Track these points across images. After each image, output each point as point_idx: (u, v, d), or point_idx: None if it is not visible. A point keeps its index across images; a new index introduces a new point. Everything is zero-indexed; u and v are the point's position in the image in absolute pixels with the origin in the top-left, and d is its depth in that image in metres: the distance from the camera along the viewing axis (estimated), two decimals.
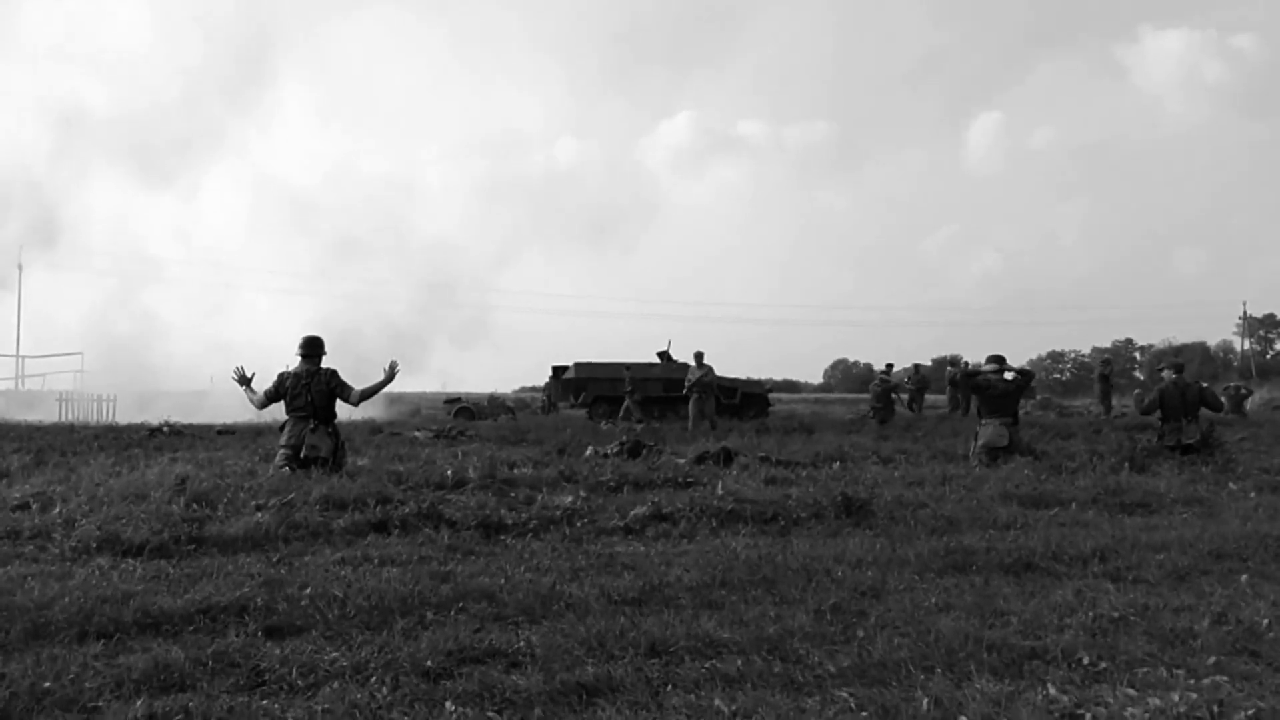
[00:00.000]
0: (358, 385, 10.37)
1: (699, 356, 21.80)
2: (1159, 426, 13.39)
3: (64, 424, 21.98)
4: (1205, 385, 13.81)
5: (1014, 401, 12.82)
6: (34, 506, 7.67)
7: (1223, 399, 14.44)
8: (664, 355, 30.14)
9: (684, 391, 21.66)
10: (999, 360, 13.09)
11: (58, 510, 7.34)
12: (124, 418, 24.20)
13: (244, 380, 10.47)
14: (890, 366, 27.50)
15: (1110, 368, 30.50)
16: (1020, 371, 13.40)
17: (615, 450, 12.84)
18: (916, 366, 31.52)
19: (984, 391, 12.87)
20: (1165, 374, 13.73)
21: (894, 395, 25.86)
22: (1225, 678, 3.80)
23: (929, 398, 30.76)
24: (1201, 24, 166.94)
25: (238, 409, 11.66)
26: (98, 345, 35.95)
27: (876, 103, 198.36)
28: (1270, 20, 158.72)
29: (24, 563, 6.01)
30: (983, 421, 12.68)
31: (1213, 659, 4.08)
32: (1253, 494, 9.27)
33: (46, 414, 27.03)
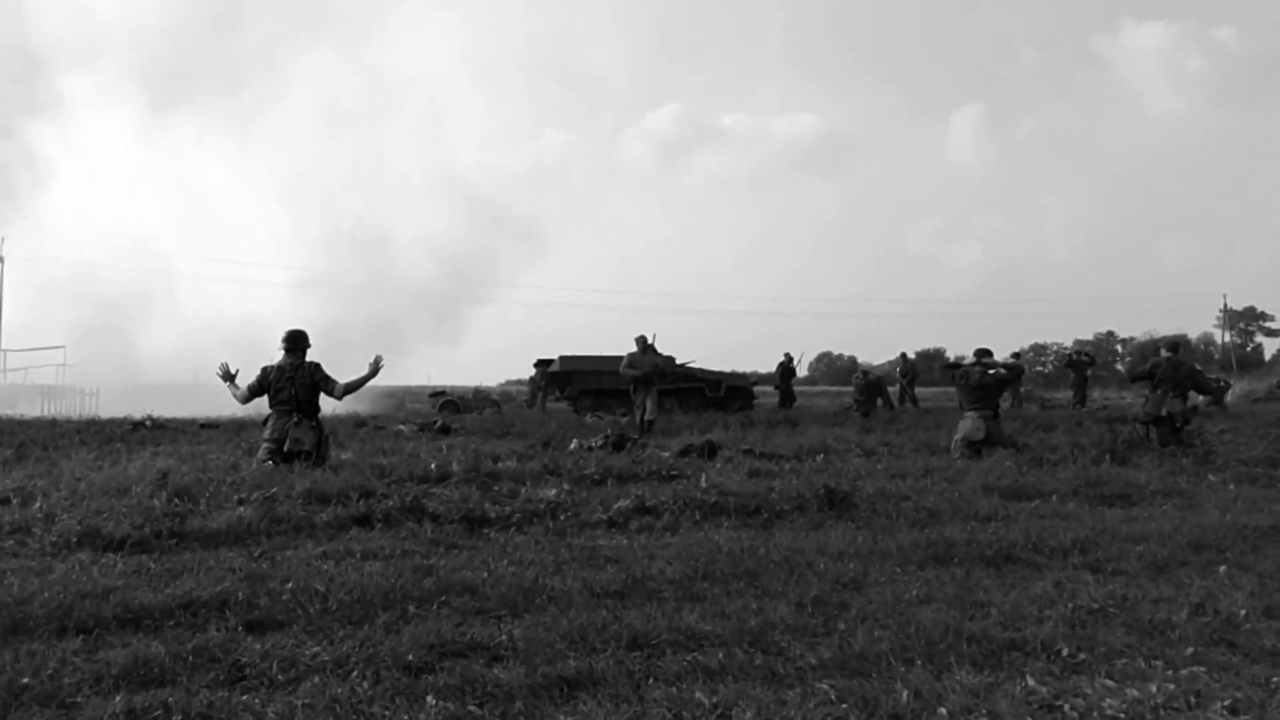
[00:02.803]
0: (341, 379, 10.36)
1: (643, 341, 18.49)
2: (1146, 397, 13.56)
3: (46, 418, 21.84)
4: (1199, 368, 13.94)
5: (993, 394, 12.86)
6: (14, 501, 7.61)
7: (1214, 382, 14.59)
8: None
9: (628, 378, 18.28)
10: (985, 354, 13.18)
11: (38, 505, 7.30)
12: (108, 411, 24.06)
13: (228, 376, 10.44)
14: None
15: (1086, 356, 30.01)
16: (1007, 366, 13.48)
17: (600, 444, 12.84)
18: (902, 355, 31.50)
19: (961, 383, 12.94)
20: (1162, 352, 13.92)
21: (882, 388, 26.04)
22: (1203, 668, 3.83)
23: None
24: (1181, 17, 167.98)
25: (224, 403, 11.64)
26: (81, 338, 35.78)
27: (860, 96, 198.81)
28: (1250, 13, 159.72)
29: (3, 558, 5.96)
30: (963, 414, 12.75)
31: (1191, 650, 4.11)
32: (1232, 486, 9.34)
33: (28, 408, 26.86)
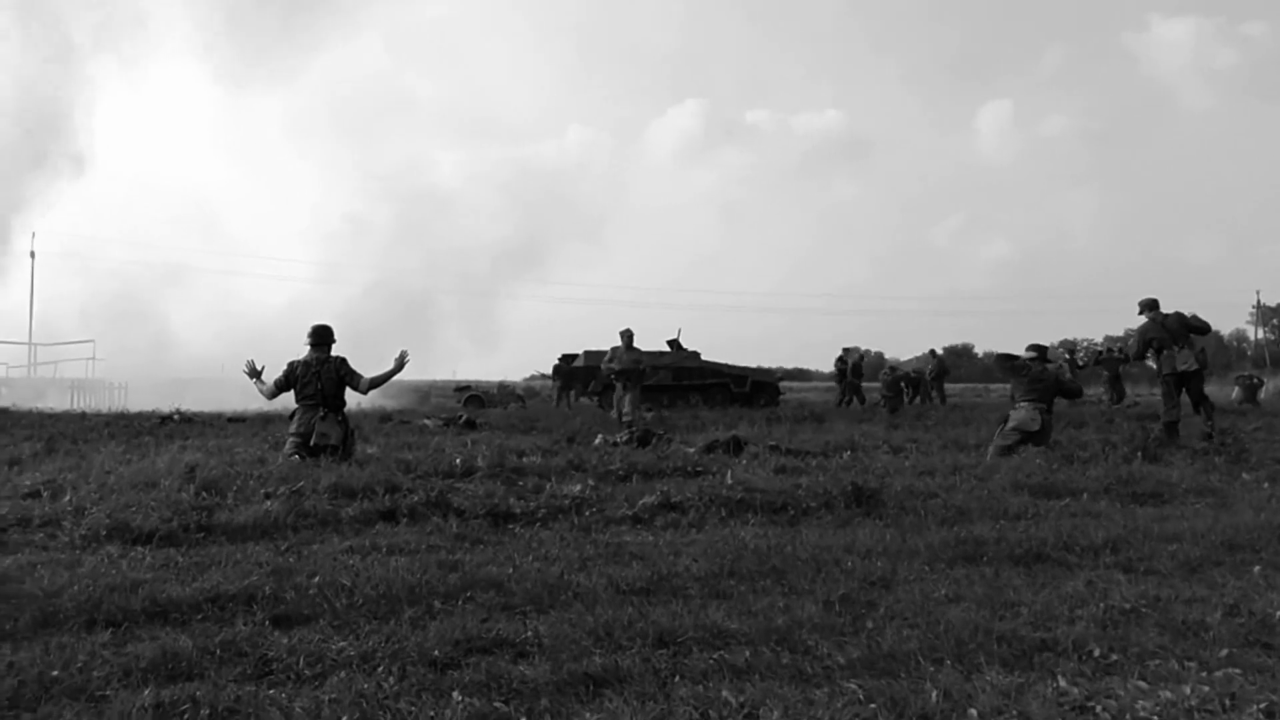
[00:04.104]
0: (367, 374, 10.43)
1: (628, 336, 17.97)
2: (1157, 360, 13.52)
3: (75, 411, 22.04)
4: (1183, 312, 13.71)
5: (1051, 390, 12.64)
6: (44, 494, 7.69)
7: (1205, 320, 14.27)
8: (674, 344, 30.16)
9: (610, 377, 17.92)
10: (1039, 350, 13.07)
11: (68, 498, 7.36)
12: (136, 405, 24.25)
13: (254, 373, 10.52)
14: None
15: (1119, 353, 29.52)
16: (1070, 379, 13.53)
17: (625, 439, 12.83)
18: (932, 351, 31.30)
19: (1021, 375, 12.72)
20: (1142, 317, 13.76)
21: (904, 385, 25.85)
22: (1238, 670, 3.77)
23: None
24: (1211, 11, 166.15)
25: (251, 396, 11.71)
26: (111, 332, 36.06)
27: (885, 91, 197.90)
28: None
29: (34, 550, 6.02)
30: (1017, 404, 12.55)
31: (1225, 651, 4.04)
32: (1266, 484, 9.18)
33: (58, 401, 27.14)
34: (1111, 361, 28.36)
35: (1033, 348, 13.11)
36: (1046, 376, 12.64)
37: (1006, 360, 13.37)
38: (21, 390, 29.71)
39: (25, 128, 38.10)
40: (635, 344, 17.83)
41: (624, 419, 16.74)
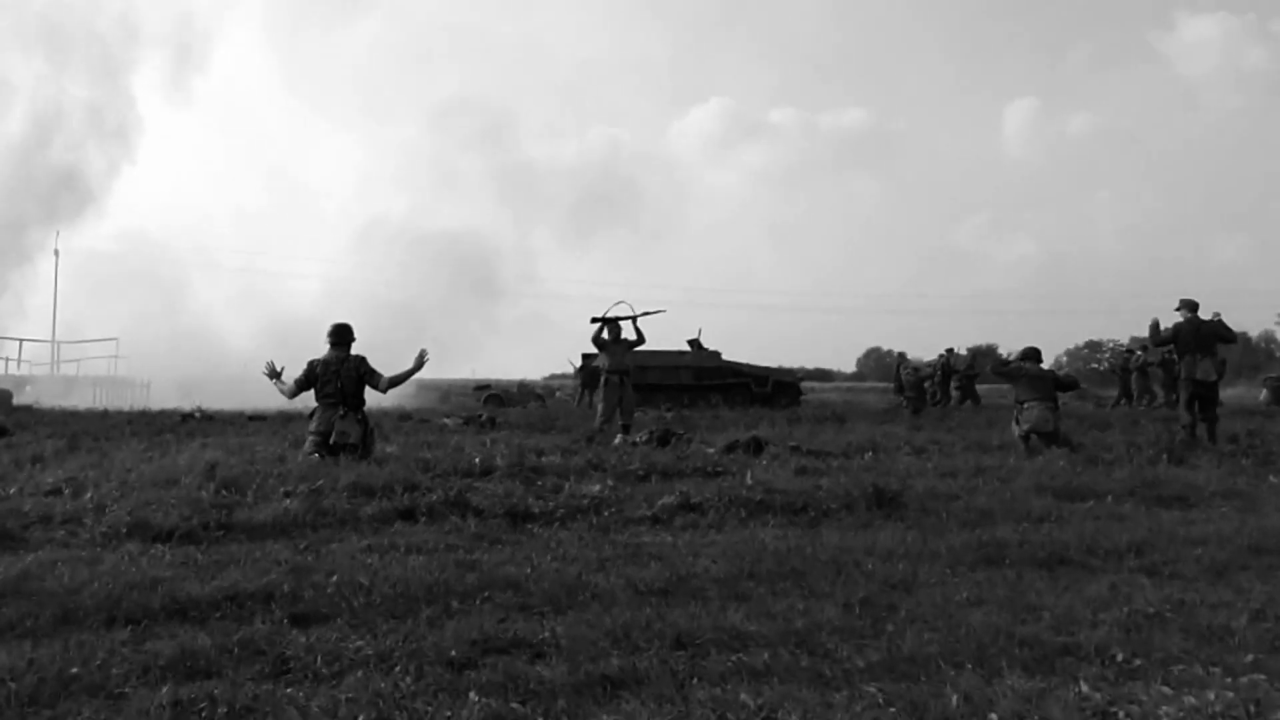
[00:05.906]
0: (387, 372, 10.45)
1: (615, 330, 15.97)
2: (1177, 364, 13.66)
3: (98, 409, 22.19)
4: (1219, 317, 13.57)
5: (1050, 386, 12.82)
6: (66, 491, 7.73)
7: (1233, 331, 14.18)
8: (694, 343, 30.13)
9: (603, 375, 15.90)
10: (1033, 354, 13.17)
11: (89, 495, 7.40)
12: (159, 403, 24.38)
13: (274, 374, 10.56)
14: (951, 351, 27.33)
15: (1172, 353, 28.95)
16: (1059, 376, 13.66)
17: (644, 439, 12.80)
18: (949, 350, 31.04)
19: (1018, 378, 12.89)
20: (1181, 313, 13.68)
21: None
22: (1263, 676, 3.71)
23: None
24: (1239, 9, 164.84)
25: (272, 395, 11.75)
26: (135, 330, 36.23)
27: (910, 90, 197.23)
28: None
29: (55, 548, 6.05)
30: (1025, 405, 12.61)
31: (1250, 657, 3.98)
32: None
33: (81, 399, 27.35)
34: (1171, 365, 28.11)
35: (1027, 352, 13.40)
36: (1043, 375, 12.97)
37: (1001, 366, 13.58)
38: (45, 388, 29.91)
39: (53, 123, 38.23)
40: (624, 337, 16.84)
41: (622, 423, 15.35)
